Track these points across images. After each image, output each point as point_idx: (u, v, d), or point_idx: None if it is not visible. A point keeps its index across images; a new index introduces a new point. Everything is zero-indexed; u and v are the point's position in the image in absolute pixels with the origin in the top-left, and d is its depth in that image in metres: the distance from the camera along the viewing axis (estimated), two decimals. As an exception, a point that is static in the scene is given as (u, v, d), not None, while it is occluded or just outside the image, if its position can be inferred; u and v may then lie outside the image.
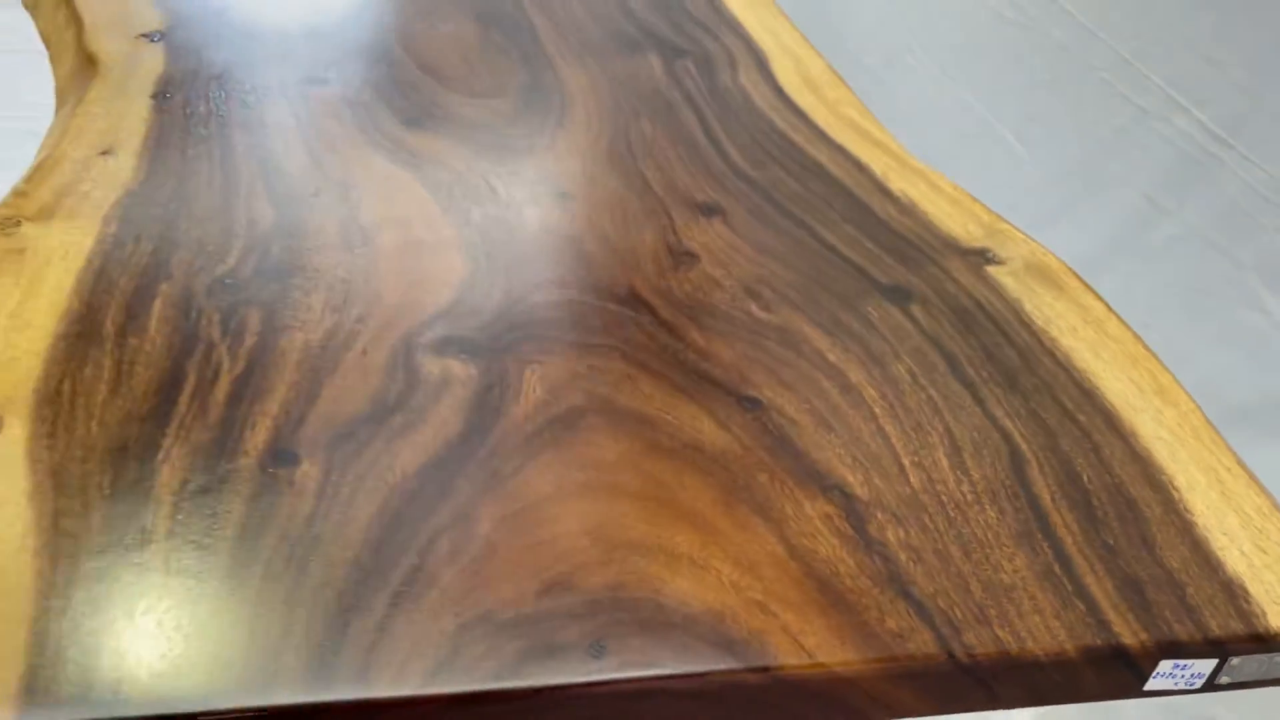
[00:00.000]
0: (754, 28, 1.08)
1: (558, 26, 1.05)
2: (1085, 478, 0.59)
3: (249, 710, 0.43)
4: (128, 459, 0.53)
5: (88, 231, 0.69)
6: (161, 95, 0.85)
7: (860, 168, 0.86)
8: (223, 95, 0.86)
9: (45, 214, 0.70)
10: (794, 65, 1.02)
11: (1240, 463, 0.61)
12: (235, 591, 0.47)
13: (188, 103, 0.84)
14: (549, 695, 0.45)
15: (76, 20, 0.95)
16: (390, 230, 0.73)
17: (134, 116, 0.82)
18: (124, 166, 0.76)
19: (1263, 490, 0.59)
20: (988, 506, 0.56)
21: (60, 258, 0.66)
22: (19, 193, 0.72)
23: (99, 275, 0.65)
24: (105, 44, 0.91)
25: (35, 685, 0.43)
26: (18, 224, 0.69)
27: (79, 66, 0.90)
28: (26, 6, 1.07)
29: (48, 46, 0.99)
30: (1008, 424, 0.62)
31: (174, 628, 0.46)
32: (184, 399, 0.57)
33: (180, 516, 0.50)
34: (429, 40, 0.99)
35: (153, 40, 0.93)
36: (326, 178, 0.78)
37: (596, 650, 0.47)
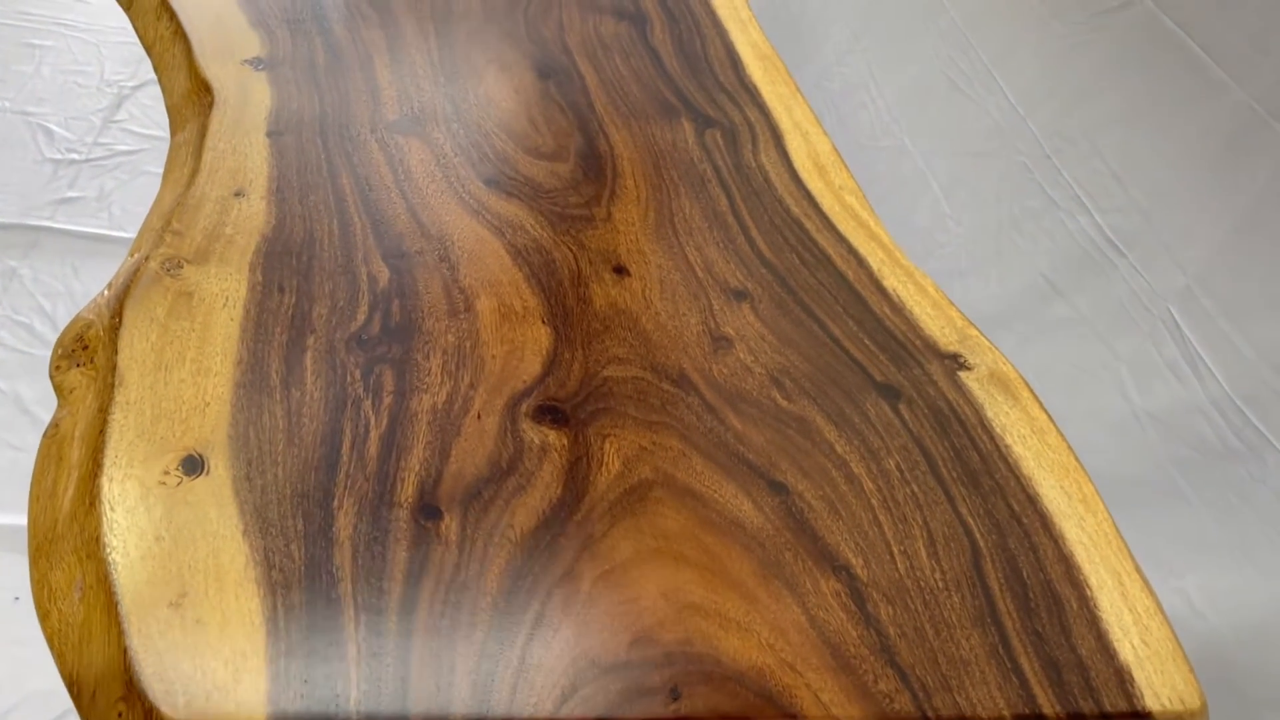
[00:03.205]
0: (772, 101, 1.24)
1: (604, 84, 1.19)
2: (1025, 573, 0.77)
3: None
4: (311, 505, 0.68)
5: (239, 279, 0.82)
6: (275, 134, 0.97)
7: (860, 261, 1.03)
8: (326, 140, 0.99)
9: (201, 256, 0.83)
10: (804, 144, 1.18)
11: (1138, 568, 0.80)
12: (409, 626, 0.63)
13: (299, 145, 0.97)
14: (641, 724, 0.63)
15: (183, 37, 1.06)
16: (485, 296, 0.87)
17: (256, 156, 0.94)
18: (256, 210, 0.89)
19: (1151, 594, 0.79)
20: (954, 593, 0.75)
21: (222, 305, 0.80)
22: (175, 231, 0.84)
23: (257, 325, 0.79)
24: (215, 69, 1.03)
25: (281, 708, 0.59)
26: (180, 265, 0.82)
27: (193, 91, 1.01)
28: (120, 3, 1.17)
29: (149, 53, 1.09)
30: (970, 521, 0.80)
31: (370, 654, 0.61)
32: (345, 450, 0.72)
33: (360, 560, 0.66)
34: (497, 91, 1.12)
35: (256, 68, 1.05)
36: (426, 235, 0.92)
37: (674, 694, 0.64)
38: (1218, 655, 1.10)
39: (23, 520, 0.88)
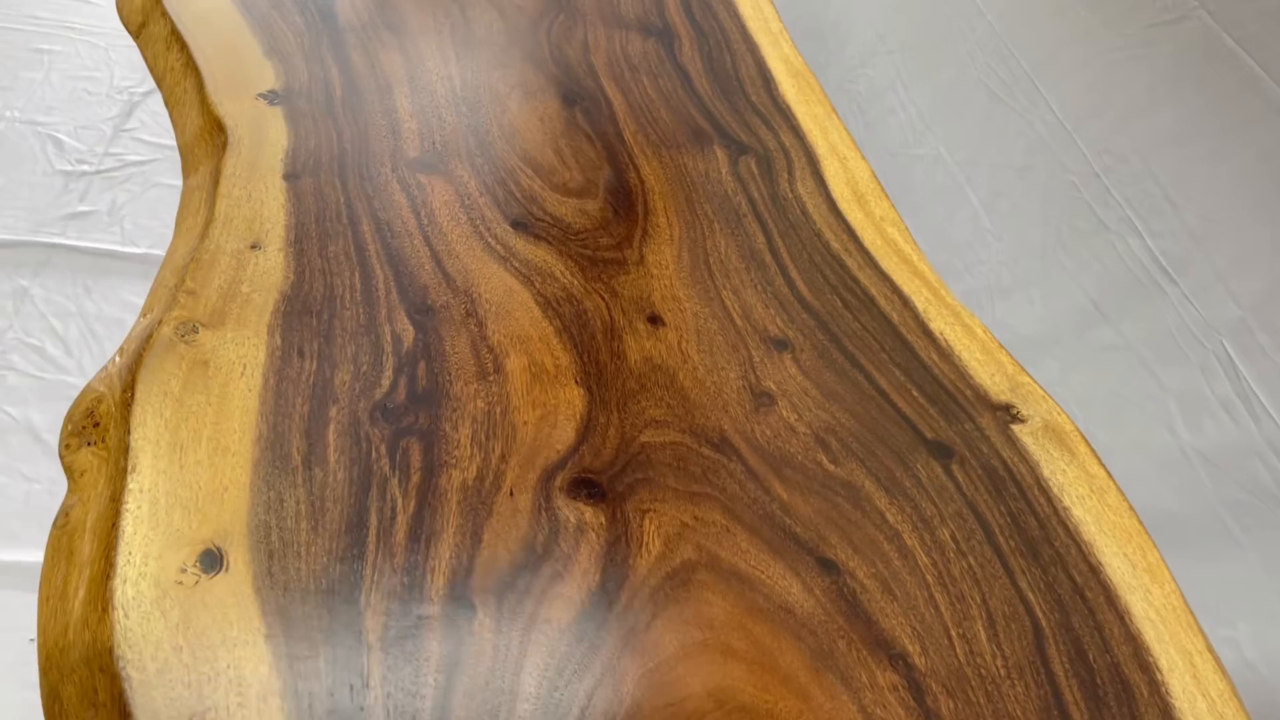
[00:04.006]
0: (807, 123, 1.18)
1: (633, 108, 1.14)
2: (1091, 655, 0.73)
3: None
4: (336, 601, 0.64)
5: (257, 343, 0.78)
6: (292, 176, 0.93)
7: (904, 301, 0.98)
8: (345, 182, 0.94)
9: (217, 319, 0.79)
10: (842, 170, 1.13)
11: (1209, 646, 0.76)
12: (444, 740, 0.59)
13: (317, 189, 0.92)
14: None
15: (194, 69, 1.02)
16: (515, 354, 0.83)
17: (272, 202, 0.90)
18: (274, 264, 0.84)
19: (1225, 675, 0.74)
20: (1016, 681, 0.70)
21: (240, 373, 0.75)
22: (188, 290, 0.80)
23: (277, 396, 0.75)
24: (229, 105, 0.98)
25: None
26: (195, 330, 0.77)
27: (206, 129, 0.97)
28: (127, 26, 1.12)
29: (159, 85, 1.05)
30: (1031, 597, 0.76)
31: (404, 774, 0.58)
32: (371, 538, 0.68)
33: (390, 661, 0.62)
34: (522, 120, 1.07)
35: (271, 103, 1.00)
36: (452, 287, 0.87)
37: (728, 809, 0.60)
38: (1273, 713, 1.06)
39: (38, 557, 0.85)
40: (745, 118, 1.17)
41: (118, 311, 1.60)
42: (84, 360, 1.52)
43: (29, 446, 1.41)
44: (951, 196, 1.54)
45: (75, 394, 1.48)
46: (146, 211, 1.76)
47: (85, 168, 1.81)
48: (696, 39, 1.28)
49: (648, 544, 0.72)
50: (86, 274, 1.64)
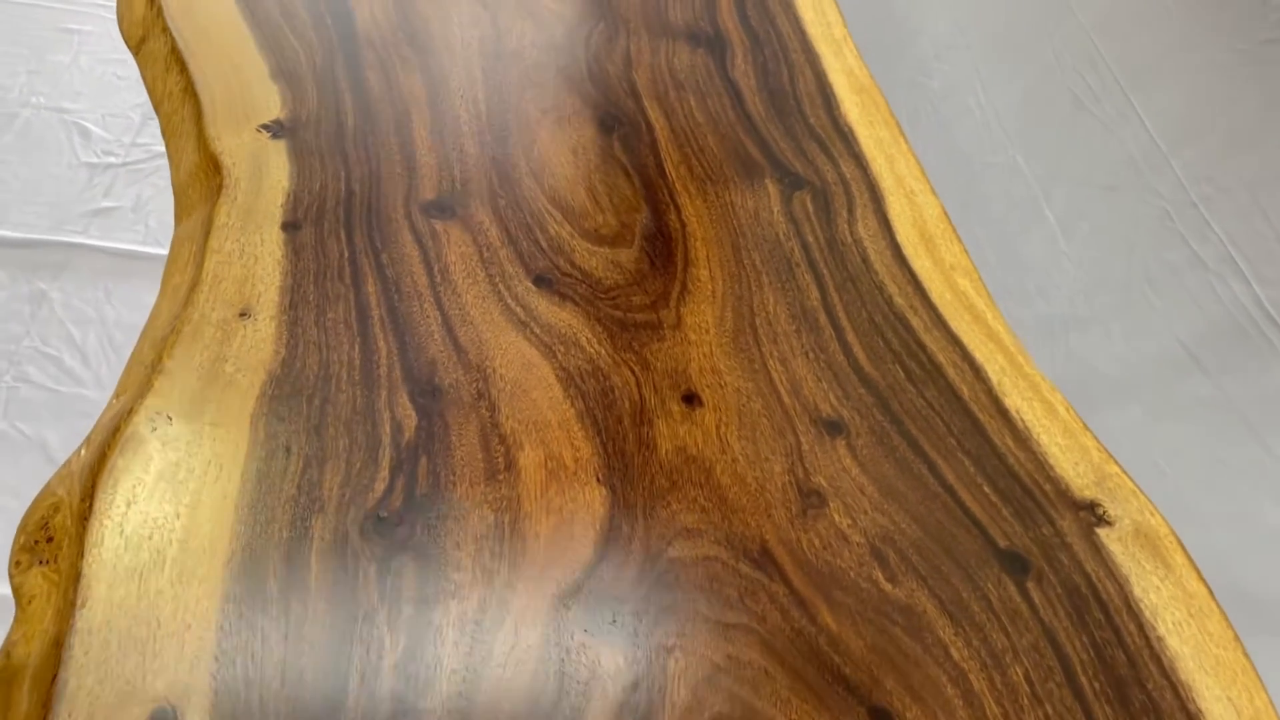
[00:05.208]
0: (871, 150, 1.06)
1: (676, 135, 1.03)
2: (1187, 836, 0.63)
3: None
4: (307, 775, 0.55)
5: (238, 438, 0.69)
6: (291, 226, 0.84)
7: (976, 371, 0.87)
8: (350, 232, 0.84)
9: (194, 408, 0.70)
10: (909, 207, 1.01)
11: (1327, 820, 0.65)
12: None
13: (319, 241, 0.83)
14: None
15: (193, 95, 0.92)
16: (530, 445, 0.73)
17: (267, 259, 0.81)
18: (264, 336, 0.75)
19: None
20: None
21: (215, 477, 0.66)
22: (165, 372, 0.71)
23: (255, 506, 0.66)
24: (228, 140, 0.89)
25: None
26: (169, 420, 0.69)
27: (201, 167, 0.88)
28: (127, 41, 1.03)
29: (156, 111, 0.96)
30: (1117, 758, 0.65)
31: None
32: (351, 698, 0.59)
33: None
34: (553, 152, 0.97)
35: (274, 135, 0.91)
36: (463, 361, 0.78)
37: None
38: None
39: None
40: (802, 144, 1.05)
41: (138, 318, 1.52)
42: (101, 372, 1.45)
43: (41, 468, 1.35)
44: (1026, 211, 1.41)
45: (91, 410, 1.41)
46: (171, 208, 1.68)
47: (111, 159, 1.73)
48: (750, 48, 1.16)
49: (672, 696, 0.63)
50: (108, 276, 1.57)
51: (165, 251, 1.60)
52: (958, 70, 1.63)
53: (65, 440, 1.38)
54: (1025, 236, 1.42)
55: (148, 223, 1.65)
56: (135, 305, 1.53)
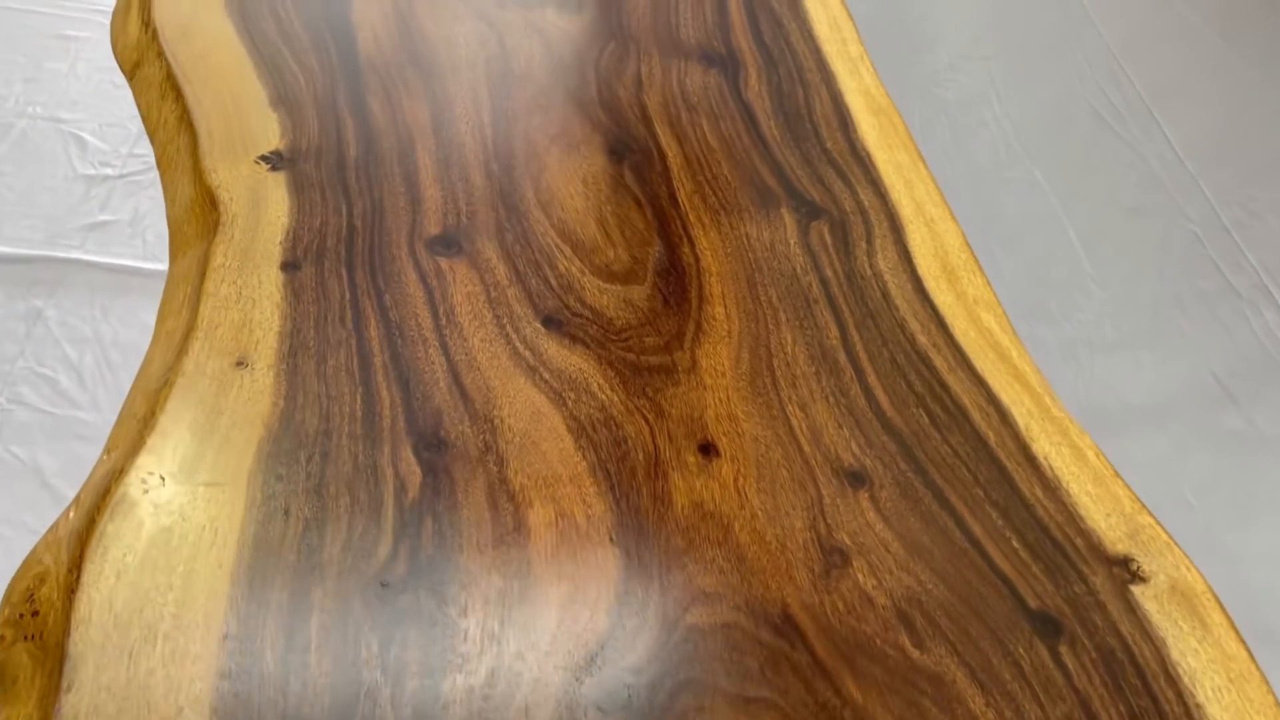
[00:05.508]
0: (889, 175, 1.03)
1: (689, 162, 0.99)
2: None
3: None
4: None
5: (234, 499, 0.66)
6: (290, 265, 0.80)
7: (1002, 414, 0.84)
8: (352, 272, 0.81)
9: (188, 468, 0.67)
10: (930, 237, 0.98)
11: None
12: None
13: (319, 281, 0.80)
14: None
15: (189, 125, 0.89)
16: (540, 503, 0.70)
17: (266, 302, 0.77)
18: (261, 388, 0.72)
19: None
20: None
21: (210, 543, 0.63)
22: (158, 430, 0.68)
23: (252, 575, 0.62)
24: (224, 173, 0.86)
25: None
26: (162, 482, 0.65)
27: (197, 202, 0.84)
28: (121, 66, 0.99)
29: (151, 140, 0.92)
30: (1158, 841, 0.62)
31: None
32: (354, 781, 0.56)
33: None
34: (562, 182, 0.93)
35: (274, 168, 0.87)
36: (470, 411, 0.74)
37: None
38: None
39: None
40: (818, 170, 1.02)
41: (136, 335, 1.50)
42: (98, 394, 1.42)
43: (35, 494, 1.32)
44: (1047, 229, 1.37)
45: (88, 433, 1.38)
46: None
47: (109, 171, 1.70)
48: (764, 68, 1.13)
49: (691, 777, 0.59)
50: (104, 293, 1.54)
51: (163, 267, 1.57)
52: (974, 81, 1.59)
53: (61, 465, 1.35)
54: (1047, 256, 1.38)
55: (145, 237, 1.62)
56: (133, 323, 1.50)
